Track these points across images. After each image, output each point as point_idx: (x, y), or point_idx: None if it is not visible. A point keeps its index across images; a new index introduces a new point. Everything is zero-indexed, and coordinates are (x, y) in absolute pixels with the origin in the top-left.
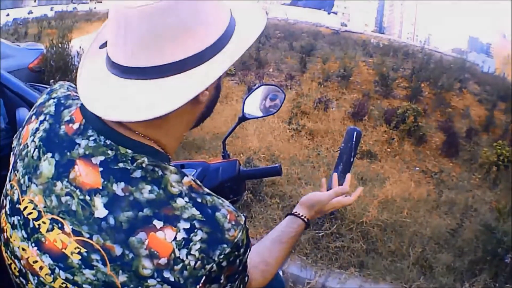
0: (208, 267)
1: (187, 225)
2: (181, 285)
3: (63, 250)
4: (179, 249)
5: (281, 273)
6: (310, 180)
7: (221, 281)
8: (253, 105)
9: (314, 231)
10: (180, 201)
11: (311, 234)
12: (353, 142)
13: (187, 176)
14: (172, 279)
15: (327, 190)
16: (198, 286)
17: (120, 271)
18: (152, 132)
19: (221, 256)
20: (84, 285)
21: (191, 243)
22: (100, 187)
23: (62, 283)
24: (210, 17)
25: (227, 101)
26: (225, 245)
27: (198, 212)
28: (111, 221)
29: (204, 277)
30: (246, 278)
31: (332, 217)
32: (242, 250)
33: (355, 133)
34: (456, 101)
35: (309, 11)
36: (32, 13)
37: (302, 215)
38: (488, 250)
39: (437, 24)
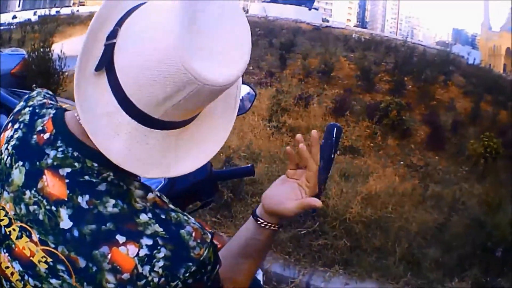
0: (173, 284)
1: (150, 242)
2: None
3: (31, 258)
4: (141, 265)
5: (261, 276)
6: None
7: None
8: None
9: (296, 229)
10: (143, 217)
11: (293, 232)
12: (334, 138)
13: (152, 192)
14: None
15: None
16: None
17: (85, 283)
18: None
19: (187, 274)
20: None
21: (154, 260)
22: (66, 199)
23: None
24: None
25: None
26: (190, 263)
27: (162, 229)
28: (75, 233)
29: None
30: None
31: (314, 215)
32: (209, 267)
33: (335, 129)
34: (441, 93)
35: (289, 7)
36: (16, 17)
37: (268, 224)
38: (477, 244)
39: (421, 17)
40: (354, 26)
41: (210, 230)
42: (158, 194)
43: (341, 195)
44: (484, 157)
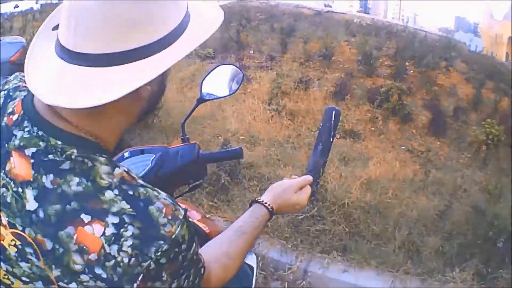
0: (144, 264)
1: (116, 220)
2: (115, 283)
3: (2, 241)
4: (109, 245)
5: (255, 261)
6: (290, 161)
7: (164, 278)
8: (212, 85)
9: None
10: (109, 194)
11: (291, 217)
12: (332, 122)
13: (119, 167)
14: (104, 275)
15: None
16: (135, 284)
17: (53, 266)
18: (89, 124)
19: (158, 253)
20: (22, 278)
21: (122, 239)
22: (31, 179)
23: (4, 275)
24: (161, 12)
25: None
26: (161, 242)
27: (128, 206)
28: (41, 214)
29: (141, 275)
30: (201, 271)
31: (312, 199)
32: (184, 246)
33: (333, 112)
34: (442, 79)
35: None
36: (18, 7)
37: (266, 203)
38: (478, 233)
39: (423, 4)
40: (357, 11)
41: (184, 207)
42: (126, 169)
43: (340, 179)
44: (486, 144)
